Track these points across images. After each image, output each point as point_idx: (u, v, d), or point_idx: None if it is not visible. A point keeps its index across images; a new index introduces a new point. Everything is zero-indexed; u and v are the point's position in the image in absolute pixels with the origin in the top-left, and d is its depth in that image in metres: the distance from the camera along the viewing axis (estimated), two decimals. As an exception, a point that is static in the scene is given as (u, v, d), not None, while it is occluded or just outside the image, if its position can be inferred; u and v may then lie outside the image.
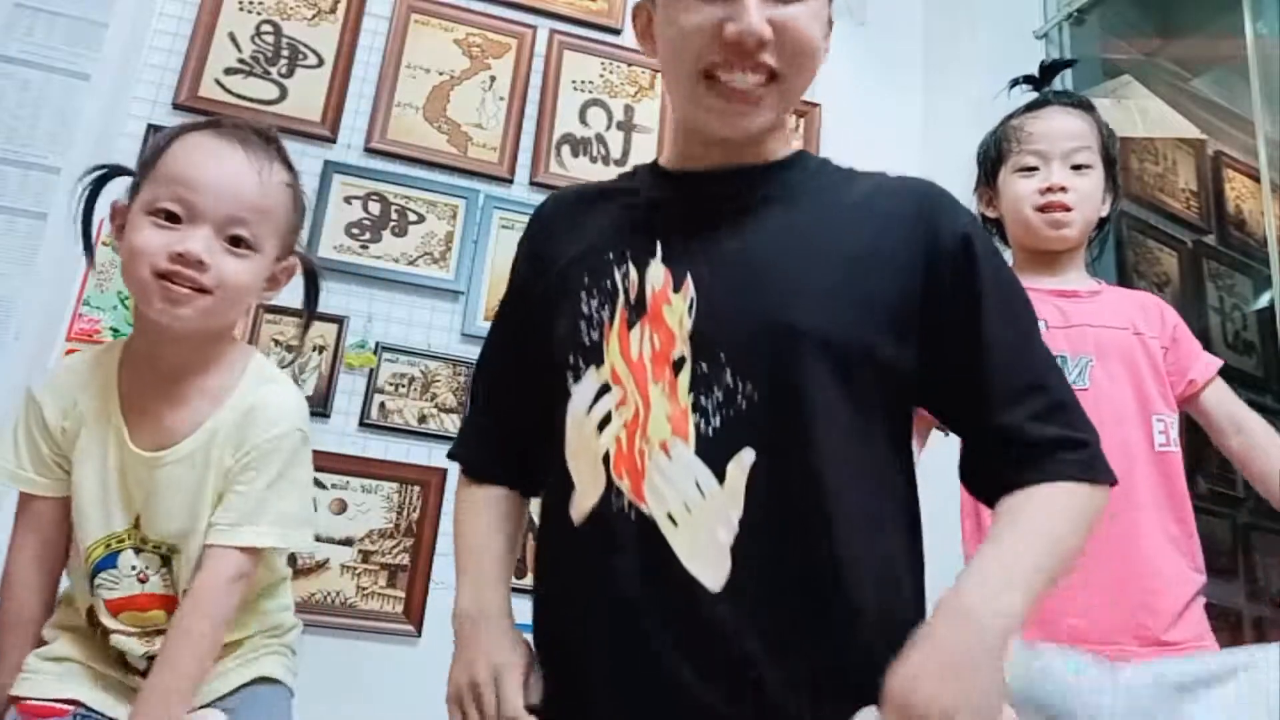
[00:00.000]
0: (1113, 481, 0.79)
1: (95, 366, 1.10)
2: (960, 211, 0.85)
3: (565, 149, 2.35)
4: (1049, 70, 1.51)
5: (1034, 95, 1.47)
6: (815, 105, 2.55)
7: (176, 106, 2.09)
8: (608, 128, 2.39)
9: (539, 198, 2.30)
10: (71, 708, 1.04)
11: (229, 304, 1.04)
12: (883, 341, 0.77)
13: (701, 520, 0.74)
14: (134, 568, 1.06)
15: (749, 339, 0.76)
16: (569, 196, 0.97)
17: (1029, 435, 0.77)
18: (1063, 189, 1.33)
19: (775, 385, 0.75)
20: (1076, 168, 1.35)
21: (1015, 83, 1.53)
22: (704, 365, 0.76)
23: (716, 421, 0.75)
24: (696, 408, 0.75)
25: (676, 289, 0.79)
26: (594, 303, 0.82)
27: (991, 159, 1.44)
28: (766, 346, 0.75)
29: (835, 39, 2.57)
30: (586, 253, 0.85)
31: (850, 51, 2.67)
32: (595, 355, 0.80)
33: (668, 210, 0.85)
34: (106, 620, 1.07)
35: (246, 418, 1.07)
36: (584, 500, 0.79)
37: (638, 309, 0.80)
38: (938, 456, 1.50)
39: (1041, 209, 1.34)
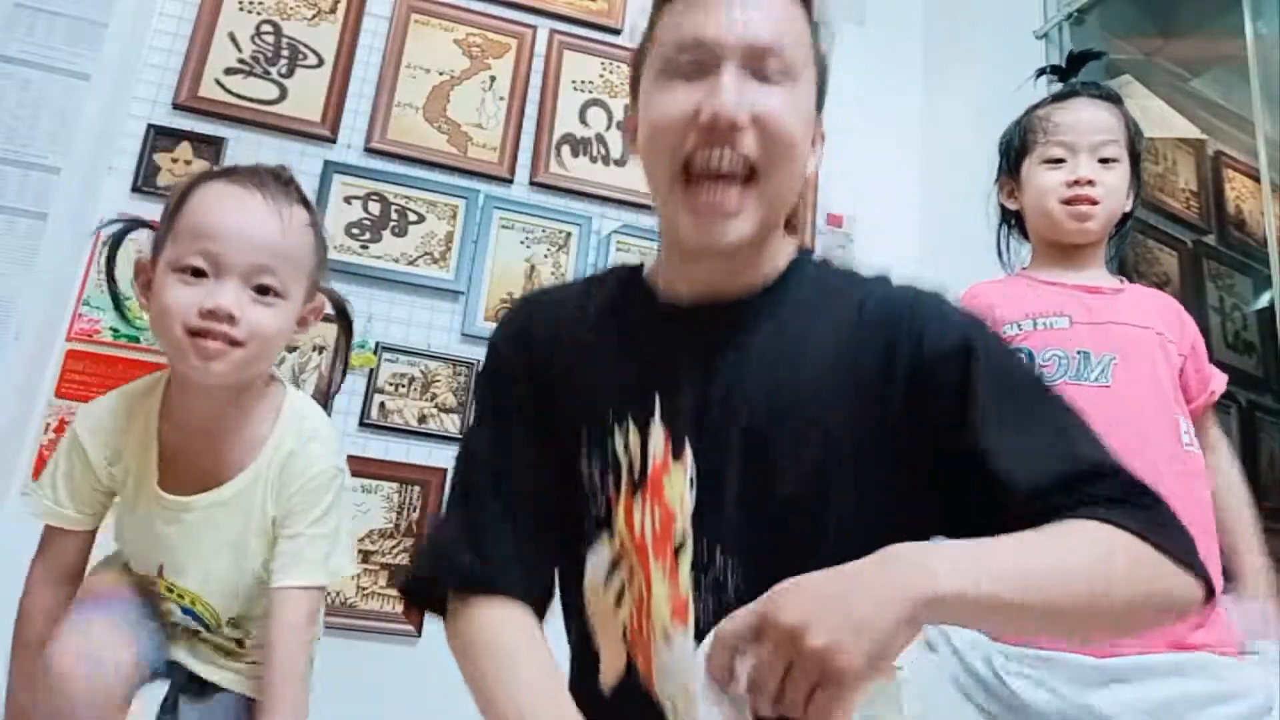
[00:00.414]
0: (1205, 581, 0.67)
1: (136, 411, 1.10)
2: (947, 326, 0.75)
3: (565, 149, 2.35)
4: (1076, 60, 1.47)
5: (1059, 85, 1.44)
6: (815, 105, 2.55)
7: (176, 106, 2.09)
8: (608, 128, 2.39)
9: (539, 198, 2.32)
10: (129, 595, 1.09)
11: (262, 354, 1.04)
12: (890, 501, 0.72)
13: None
14: None
15: (747, 522, 0.73)
16: (549, 314, 0.88)
17: (1081, 500, 0.66)
18: (1090, 182, 1.30)
19: (773, 569, 0.69)
20: (1104, 161, 1.31)
21: (1041, 72, 1.50)
22: (704, 547, 0.73)
23: (714, 606, 0.72)
24: (697, 591, 0.73)
25: (676, 456, 0.75)
26: (596, 468, 0.78)
27: (1015, 149, 1.40)
28: (765, 529, 0.72)
29: (835, 39, 2.51)
30: (584, 404, 0.80)
31: (850, 51, 2.67)
32: (604, 524, 0.78)
33: (663, 358, 0.79)
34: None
35: (287, 462, 1.08)
36: (609, 673, 0.77)
37: (640, 478, 0.76)
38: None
39: (1067, 201, 1.31)
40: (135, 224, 1.16)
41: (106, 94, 1.95)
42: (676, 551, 0.74)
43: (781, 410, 0.74)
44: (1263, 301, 2.27)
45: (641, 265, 0.88)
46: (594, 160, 2.36)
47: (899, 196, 2.57)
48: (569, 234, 2.28)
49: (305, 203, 1.09)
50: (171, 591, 1.10)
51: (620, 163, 2.37)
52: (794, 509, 0.72)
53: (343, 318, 1.22)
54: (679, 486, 0.75)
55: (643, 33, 0.82)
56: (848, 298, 0.79)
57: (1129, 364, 1.25)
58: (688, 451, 0.75)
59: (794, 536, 0.72)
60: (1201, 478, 1.25)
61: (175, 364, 1.04)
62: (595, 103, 2.40)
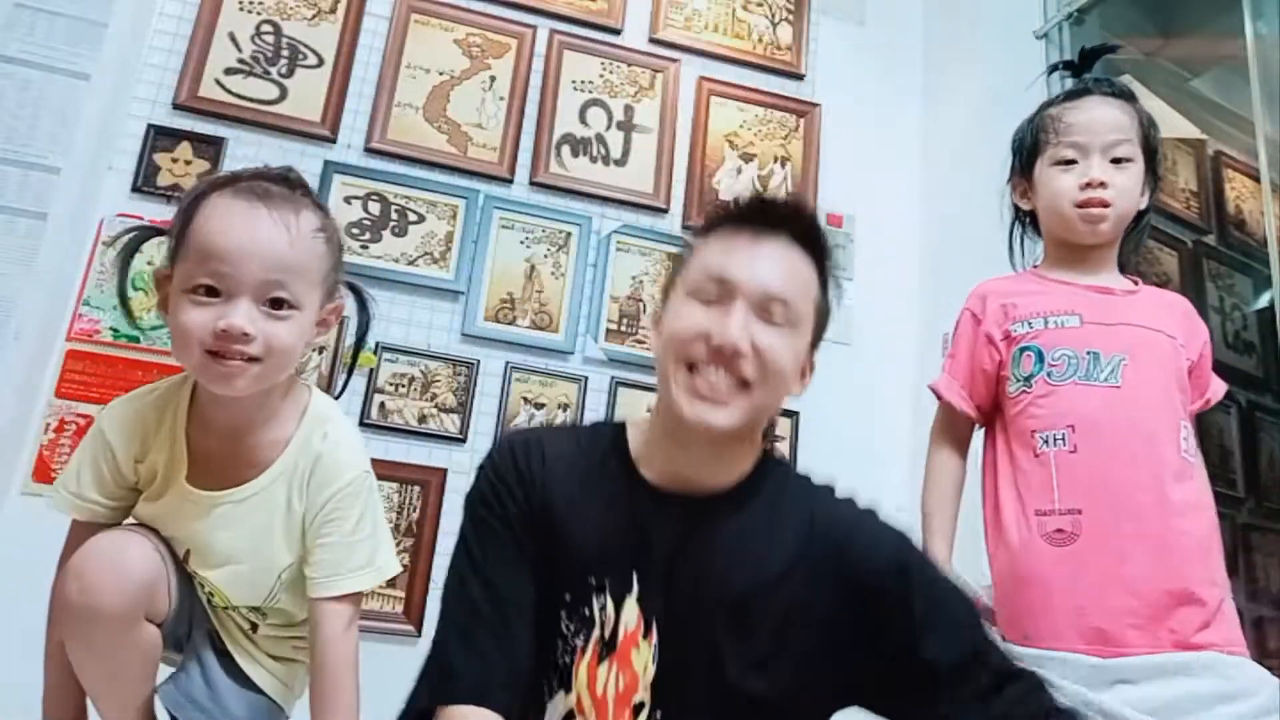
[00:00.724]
0: None
1: (163, 412, 1.11)
2: (880, 549, 0.92)
3: (565, 149, 2.35)
4: (1089, 56, 1.43)
5: (1071, 81, 1.42)
6: (815, 105, 2.55)
7: (176, 106, 2.09)
8: (608, 128, 2.39)
9: (539, 198, 2.32)
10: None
11: (281, 366, 1.04)
12: (828, 686, 0.89)
13: None
14: None
15: (702, 698, 0.86)
16: (544, 461, 0.95)
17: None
18: (1102, 184, 1.28)
19: None
20: (1116, 161, 1.29)
21: (1054, 68, 1.47)
22: (659, 714, 0.87)
23: None
24: None
25: (645, 634, 0.88)
26: (572, 626, 0.89)
27: (1028, 149, 1.38)
28: (718, 704, 0.86)
29: (835, 38, 2.57)
30: (567, 561, 0.91)
31: (850, 51, 2.67)
32: (565, 680, 0.88)
33: (644, 542, 0.91)
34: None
35: (315, 468, 1.10)
36: None
37: (609, 645, 0.88)
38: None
39: (1080, 204, 1.29)
40: (148, 233, 1.14)
41: (106, 94, 1.95)
42: (635, 712, 0.87)
43: (740, 603, 0.88)
44: (1263, 301, 2.27)
45: (625, 432, 0.99)
46: (594, 160, 2.36)
47: (899, 196, 2.57)
48: (569, 234, 2.28)
49: (315, 204, 1.08)
50: (194, 578, 1.12)
51: (620, 163, 2.37)
52: (744, 689, 0.86)
53: (363, 310, 1.23)
54: (645, 658, 0.87)
55: (684, 245, 0.99)
56: (801, 506, 0.95)
57: (1139, 365, 1.24)
58: (654, 633, 0.88)
59: (743, 712, 0.86)
60: (1202, 482, 1.25)
61: (199, 380, 1.06)
62: (595, 103, 2.40)
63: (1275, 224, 1.87)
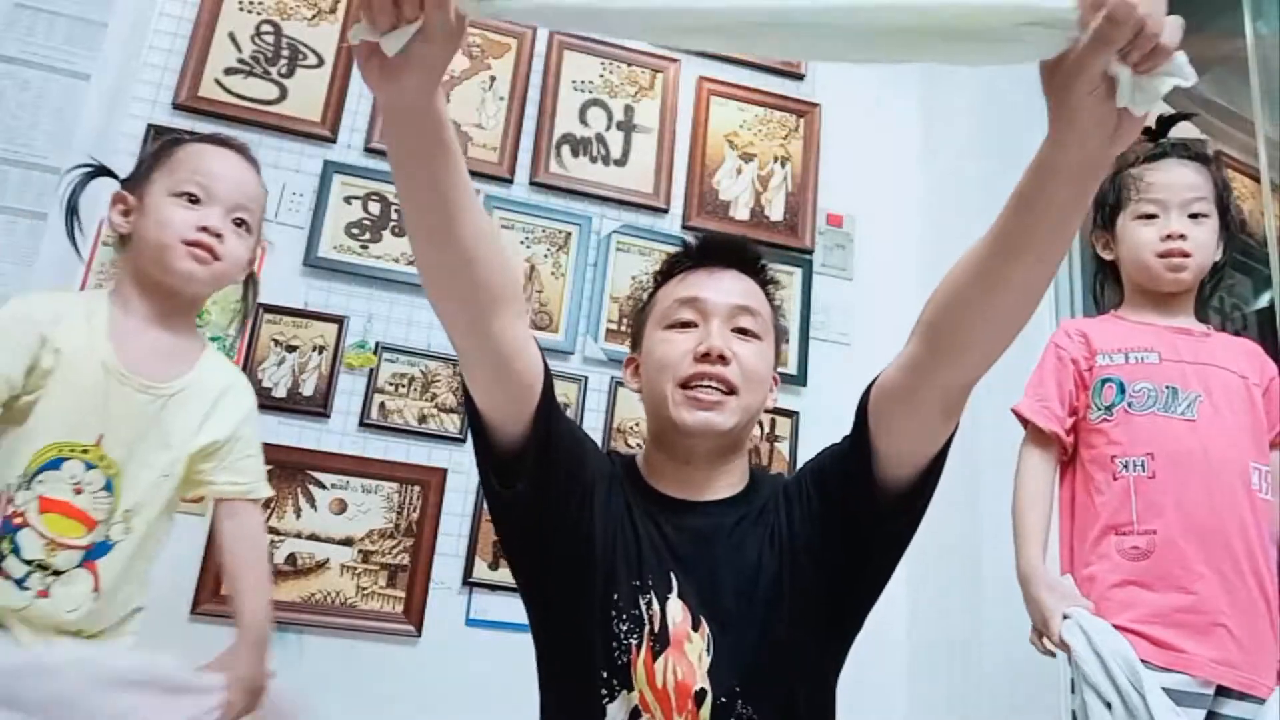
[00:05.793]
0: None
1: (84, 306, 1.25)
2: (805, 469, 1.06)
3: (565, 149, 2.35)
4: (1166, 123, 1.58)
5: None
6: (815, 105, 2.55)
7: (176, 106, 2.09)
8: (608, 128, 2.39)
9: (539, 198, 2.33)
10: None
11: (231, 275, 1.31)
12: (848, 623, 1.02)
13: None
14: (74, 478, 1.16)
15: (757, 675, 0.94)
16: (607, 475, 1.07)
17: None
18: (1181, 236, 1.41)
19: (777, 697, 0.94)
20: (1193, 216, 1.42)
21: None
22: (723, 698, 0.93)
23: None
24: None
25: (695, 628, 0.96)
26: (624, 627, 0.96)
27: (1110, 205, 1.51)
28: (770, 681, 0.94)
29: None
30: (614, 562, 0.99)
31: (850, 51, 2.66)
32: (625, 679, 0.94)
33: (676, 546, 1.01)
34: (31, 518, 1.14)
35: (224, 394, 1.30)
36: None
37: (661, 640, 0.95)
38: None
39: (1162, 255, 1.42)
40: (100, 171, 1.38)
41: (106, 94, 1.95)
42: (698, 700, 0.93)
43: (768, 581, 0.98)
44: (1263, 301, 2.27)
45: (634, 459, 1.10)
46: (594, 160, 2.36)
47: (899, 196, 2.57)
48: (569, 234, 2.28)
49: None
50: (102, 460, 1.18)
51: (620, 163, 2.37)
52: (788, 651, 0.96)
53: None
54: (699, 648, 0.94)
55: (644, 298, 1.14)
56: (775, 486, 1.07)
57: (1214, 403, 1.35)
58: (704, 625, 0.96)
59: (791, 670, 0.96)
60: (1266, 523, 1.32)
61: (162, 268, 1.25)
62: (595, 103, 2.40)
63: (1275, 224, 1.87)
